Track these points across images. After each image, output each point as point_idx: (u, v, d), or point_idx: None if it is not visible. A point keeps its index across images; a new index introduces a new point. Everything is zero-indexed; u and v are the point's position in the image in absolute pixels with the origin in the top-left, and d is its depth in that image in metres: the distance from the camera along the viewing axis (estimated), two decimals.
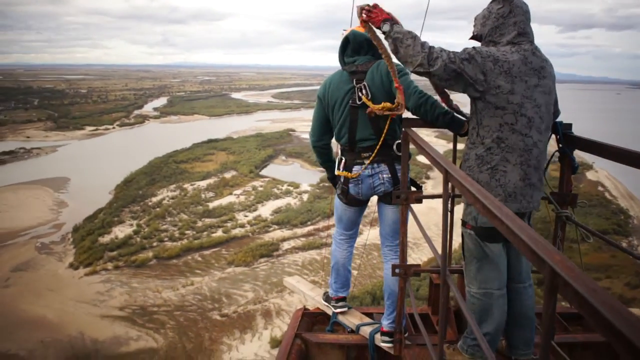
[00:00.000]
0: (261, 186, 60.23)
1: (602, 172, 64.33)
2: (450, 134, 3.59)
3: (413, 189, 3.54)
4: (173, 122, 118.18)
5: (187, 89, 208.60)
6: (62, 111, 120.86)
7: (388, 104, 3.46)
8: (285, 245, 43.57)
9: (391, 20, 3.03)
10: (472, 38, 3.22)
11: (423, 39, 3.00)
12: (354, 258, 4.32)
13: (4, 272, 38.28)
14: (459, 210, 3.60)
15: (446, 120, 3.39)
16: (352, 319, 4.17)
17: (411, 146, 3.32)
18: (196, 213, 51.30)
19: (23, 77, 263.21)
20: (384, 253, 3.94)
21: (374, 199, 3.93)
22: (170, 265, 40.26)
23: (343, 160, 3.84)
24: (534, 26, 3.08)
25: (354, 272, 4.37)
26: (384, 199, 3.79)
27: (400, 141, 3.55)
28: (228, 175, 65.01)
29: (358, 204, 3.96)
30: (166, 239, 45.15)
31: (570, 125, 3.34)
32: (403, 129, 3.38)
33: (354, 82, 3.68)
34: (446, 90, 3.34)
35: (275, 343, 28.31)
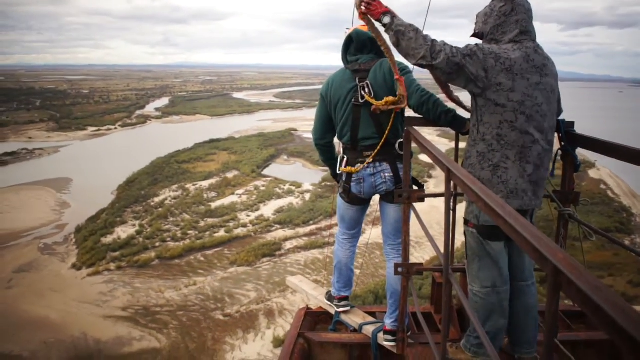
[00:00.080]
0: (263, 186, 60.25)
1: (604, 170, 64.24)
2: (452, 132, 3.59)
3: (415, 187, 3.54)
4: (175, 122, 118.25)
5: (189, 89, 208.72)
6: (64, 112, 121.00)
7: (391, 98, 3.46)
8: (288, 245, 43.57)
9: (390, 13, 3.02)
10: (473, 36, 3.21)
11: None
12: (356, 257, 4.32)
13: (7, 273, 38.33)
14: (461, 208, 3.60)
15: (448, 118, 3.39)
16: (354, 318, 4.17)
17: (413, 145, 3.32)
18: (198, 213, 51.33)
19: (25, 78, 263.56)
20: (387, 252, 3.94)
21: (377, 198, 3.94)
22: (172, 265, 40.29)
23: (345, 159, 3.84)
24: (536, 25, 3.08)
25: (357, 271, 4.37)
26: (386, 198, 3.79)
27: (402, 140, 3.55)
28: (230, 175, 65.05)
29: (360, 202, 3.96)
30: (169, 239, 45.17)
31: (572, 123, 3.33)
32: (405, 128, 3.38)
33: (357, 80, 3.68)
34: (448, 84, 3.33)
35: (278, 343, 28.32)
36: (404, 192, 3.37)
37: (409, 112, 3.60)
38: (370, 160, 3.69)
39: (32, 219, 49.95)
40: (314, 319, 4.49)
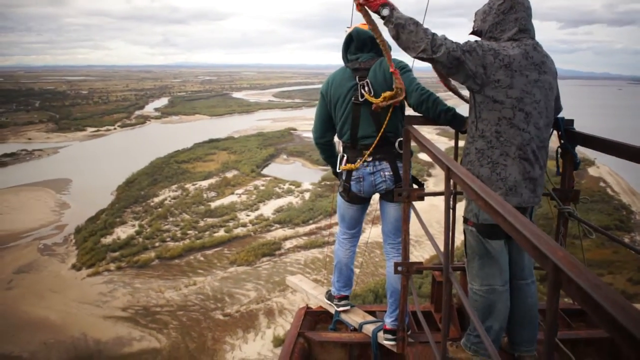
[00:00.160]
0: (263, 185, 60.27)
1: (603, 167, 64.29)
2: (452, 131, 3.59)
3: (415, 186, 3.54)
4: (174, 122, 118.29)
5: (188, 89, 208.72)
6: (64, 112, 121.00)
7: (388, 93, 3.45)
8: (288, 244, 43.59)
9: (389, 5, 2.98)
10: (472, 33, 3.20)
11: None
12: (356, 256, 4.32)
13: (7, 274, 38.34)
14: (460, 207, 3.60)
15: (448, 117, 3.39)
16: (354, 317, 4.17)
17: (413, 144, 3.31)
18: (198, 213, 51.35)
19: (24, 79, 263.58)
20: (386, 251, 3.94)
21: (377, 197, 3.93)
22: (172, 265, 40.30)
23: (345, 157, 3.84)
24: (534, 22, 3.07)
25: (356, 271, 4.37)
26: (386, 197, 3.79)
27: (402, 139, 3.54)
28: (229, 174, 65.08)
29: (360, 201, 3.96)
30: (168, 239, 45.19)
31: (572, 121, 3.33)
32: (404, 126, 3.37)
33: (357, 79, 3.68)
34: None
35: (278, 342, 28.33)
36: (404, 191, 3.36)
37: (409, 111, 3.60)
38: (369, 157, 3.69)
39: (31, 220, 49.96)
40: (314, 318, 4.49)
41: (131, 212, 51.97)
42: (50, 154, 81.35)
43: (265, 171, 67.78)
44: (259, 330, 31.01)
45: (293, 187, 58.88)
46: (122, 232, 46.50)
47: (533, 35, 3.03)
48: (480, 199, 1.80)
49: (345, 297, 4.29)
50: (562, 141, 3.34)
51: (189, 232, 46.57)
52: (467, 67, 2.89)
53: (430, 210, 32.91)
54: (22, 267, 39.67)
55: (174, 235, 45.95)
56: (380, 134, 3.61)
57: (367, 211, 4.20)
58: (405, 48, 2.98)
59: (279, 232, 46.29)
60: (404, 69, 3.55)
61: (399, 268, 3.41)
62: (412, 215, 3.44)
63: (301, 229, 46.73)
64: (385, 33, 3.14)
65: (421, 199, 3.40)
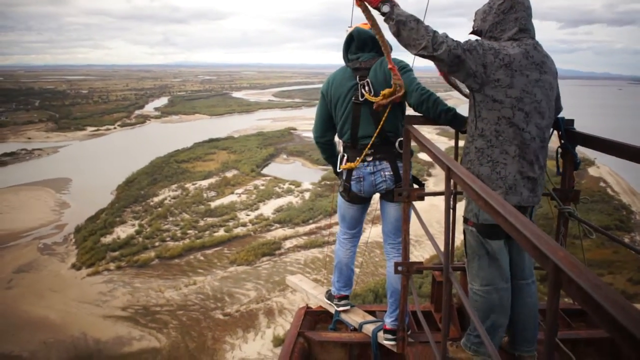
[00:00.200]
0: (263, 185, 60.27)
1: (604, 167, 64.29)
2: (452, 130, 3.58)
3: (415, 186, 3.54)
4: (174, 122, 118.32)
5: (188, 88, 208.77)
6: (63, 112, 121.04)
7: (387, 90, 3.44)
8: (287, 244, 43.59)
9: (390, 1, 2.96)
10: (472, 33, 3.19)
11: None
12: (356, 256, 4.32)
13: (7, 274, 38.33)
14: (460, 207, 3.60)
15: (448, 117, 3.38)
16: (354, 317, 4.17)
17: (413, 143, 3.31)
18: (198, 212, 51.34)
19: (24, 78, 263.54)
20: (387, 251, 3.94)
21: (377, 197, 3.93)
22: (172, 264, 40.29)
23: (345, 157, 3.84)
24: (534, 22, 3.06)
25: (356, 270, 4.36)
26: (386, 197, 3.79)
27: (402, 138, 3.54)
28: (229, 174, 65.06)
29: (360, 201, 3.96)
30: (168, 238, 45.18)
31: (572, 121, 3.33)
32: (404, 126, 3.37)
33: (357, 78, 3.68)
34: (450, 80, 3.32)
35: (278, 342, 28.33)
36: (404, 191, 3.36)
37: (409, 111, 3.60)
38: (369, 155, 3.69)
39: (31, 219, 49.95)
40: (314, 318, 4.49)
41: (131, 212, 51.97)
42: (50, 153, 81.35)
43: (265, 171, 67.76)
44: (258, 329, 31.01)
45: (293, 187, 58.87)
46: (122, 232, 46.49)
47: (533, 35, 3.03)
48: (480, 199, 1.80)
49: (345, 297, 4.30)
50: (562, 141, 3.33)
51: (189, 231, 46.56)
52: (468, 65, 2.88)
53: (430, 210, 32.94)
54: (22, 267, 39.67)
55: (174, 234, 45.95)
56: (378, 131, 3.61)
57: (367, 211, 4.20)
58: (406, 45, 2.98)
59: (279, 232, 46.29)
60: (404, 68, 3.54)
61: (399, 268, 3.41)
62: (413, 215, 3.44)
63: (301, 229, 46.72)
64: (385, 30, 3.13)
65: (421, 198, 3.40)
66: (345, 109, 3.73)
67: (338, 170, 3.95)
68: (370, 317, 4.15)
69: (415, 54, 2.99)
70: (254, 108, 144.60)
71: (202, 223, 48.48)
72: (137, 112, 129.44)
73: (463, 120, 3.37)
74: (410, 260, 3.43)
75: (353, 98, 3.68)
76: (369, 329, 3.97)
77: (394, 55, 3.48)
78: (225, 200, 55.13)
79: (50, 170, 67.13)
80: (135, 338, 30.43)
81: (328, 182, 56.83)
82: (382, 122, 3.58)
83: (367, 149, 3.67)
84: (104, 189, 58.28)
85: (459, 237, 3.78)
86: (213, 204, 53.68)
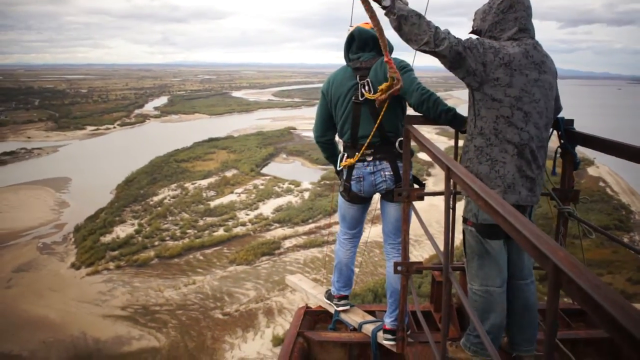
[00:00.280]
0: (262, 184, 60.26)
1: (603, 167, 64.31)
2: (451, 130, 3.58)
3: (416, 186, 3.54)
4: (174, 121, 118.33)
5: (188, 87, 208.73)
6: (63, 111, 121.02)
7: (384, 84, 3.43)
8: (287, 244, 43.59)
9: None
10: (471, 33, 3.19)
11: None
12: (356, 256, 4.32)
13: (6, 273, 38.33)
14: (460, 206, 3.60)
15: (449, 117, 3.38)
16: (354, 317, 4.17)
17: (413, 143, 3.31)
18: (197, 212, 51.35)
19: (24, 77, 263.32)
20: (387, 251, 3.94)
21: (378, 197, 3.93)
22: (172, 264, 40.30)
23: (345, 156, 3.84)
24: (534, 22, 3.06)
25: (356, 270, 4.35)
26: (386, 197, 3.79)
27: (402, 138, 3.54)
28: (229, 173, 65.06)
29: (361, 201, 3.95)
30: (168, 238, 45.19)
31: (572, 121, 3.33)
32: (404, 126, 3.37)
33: (358, 78, 3.67)
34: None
35: (277, 341, 28.34)
36: (404, 191, 3.36)
37: (409, 111, 3.60)
38: (369, 154, 3.69)
39: (31, 219, 49.94)
40: (313, 318, 4.49)
41: (130, 211, 51.98)
42: (50, 152, 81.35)
43: (264, 170, 67.78)
44: (258, 329, 31.01)
45: (292, 187, 58.88)
46: (122, 231, 46.50)
47: (533, 34, 3.03)
48: (480, 198, 1.80)
49: (345, 297, 4.30)
50: (562, 141, 3.33)
51: (189, 231, 46.57)
52: (468, 63, 2.88)
53: (429, 209, 32.96)
54: (21, 266, 39.66)
55: (174, 234, 45.96)
56: (376, 126, 3.61)
57: (368, 211, 4.20)
58: (407, 40, 2.97)
59: (278, 232, 46.30)
60: (404, 68, 3.54)
61: (399, 268, 3.41)
62: (413, 215, 3.44)
63: (300, 228, 46.74)
64: (387, 27, 3.13)
65: (421, 198, 3.40)
66: (345, 109, 3.73)
67: (338, 169, 3.95)
68: (369, 317, 4.15)
69: (417, 49, 2.98)
70: (253, 107, 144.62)
71: (201, 222, 48.48)
72: (137, 111, 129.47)
73: (463, 120, 3.36)
74: (409, 260, 3.43)
75: (353, 98, 3.67)
76: (368, 329, 3.97)
77: (394, 54, 3.48)
78: (225, 199, 55.13)
79: (49, 169, 67.13)
80: (135, 337, 30.44)
81: (327, 182, 56.84)
82: (380, 117, 3.58)
83: (365, 146, 3.66)
84: (103, 188, 58.28)
85: (458, 237, 3.79)
86: (212, 204, 53.68)
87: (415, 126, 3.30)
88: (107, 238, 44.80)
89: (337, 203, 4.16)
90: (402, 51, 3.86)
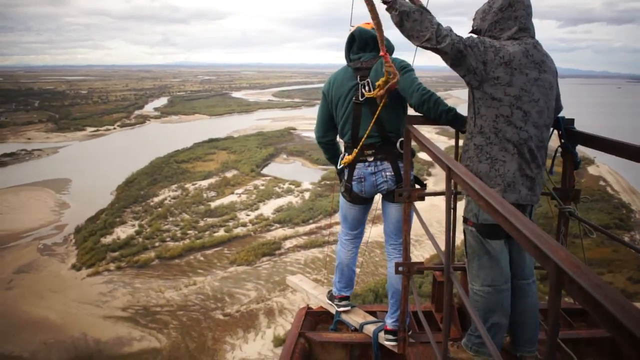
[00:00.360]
0: (262, 185, 60.27)
1: (603, 166, 64.32)
2: (451, 130, 3.58)
3: (417, 186, 3.53)
4: (174, 122, 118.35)
5: (188, 88, 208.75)
6: (63, 112, 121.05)
7: (381, 80, 3.42)
8: (288, 244, 43.60)
9: None
10: (471, 32, 3.19)
11: None
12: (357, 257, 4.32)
13: (7, 274, 38.34)
14: (461, 206, 3.60)
15: (449, 117, 3.37)
16: (355, 318, 4.16)
17: (413, 143, 3.31)
18: (198, 213, 51.35)
19: (23, 78, 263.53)
20: (388, 251, 3.93)
21: (379, 197, 3.93)
22: (172, 265, 40.31)
23: (346, 157, 3.83)
24: (534, 21, 3.06)
25: (357, 270, 4.35)
26: (388, 197, 3.78)
27: (403, 138, 3.53)
28: (229, 174, 65.07)
29: (362, 202, 3.95)
30: (168, 239, 45.19)
31: (572, 120, 3.32)
32: (405, 126, 3.36)
33: (358, 78, 3.67)
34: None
35: (278, 342, 28.34)
36: (405, 191, 3.36)
37: (410, 111, 3.59)
38: (370, 155, 3.69)
39: (31, 220, 49.96)
40: (314, 318, 4.48)
41: (131, 212, 51.98)
42: (50, 153, 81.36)
43: (265, 171, 67.78)
44: (259, 330, 31.02)
45: (293, 187, 58.89)
46: (122, 232, 46.51)
47: (533, 34, 3.02)
48: (481, 199, 1.80)
49: (346, 298, 4.29)
50: (562, 140, 3.33)
51: (189, 232, 46.58)
52: (469, 61, 2.88)
53: (430, 209, 32.99)
54: (22, 267, 39.68)
55: (174, 235, 45.96)
56: (373, 121, 3.60)
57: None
58: (409, 36, 2.96)
59: (279, 232, 46.30)
60: (405, 68, 3.53)
61: (400, 268, 3.41)
62: (414, 215, 3.43)
63: (301, 229, 46.74)
64: (389, 24, 3.12)
65: (422, 199, 3.39)
66: (346, 109, 3.73)
67: (339, 167, 3.95)
68: (371, 318, 4.14)
69: (418, 45, 2.98)
70: (253, 108, 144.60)
71: (202, 223, 48.50)
72: (137, 112, 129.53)
73: (463, 120, 3.35)
74: (411, 261, 3.43)
75: (354, 98, 3.67)
76: (369, 329, 3.96)
77: (395, 55, 3.47)
78: (225, 200, 55.14)
79: (50, 170, 67.16)
80: (136, 338, 30.45)
81: (328, 182, 56.84)
82: (377, 112, 3.57)
83: (363, 140, 3.66)
84: (103, 189, 58.30)
85: (459, 237, 3.78)
86: (213, 204, 53.69)
87: (415, 126, 3.30)
88: (107, 239, 44.81)
89: (338, 203, 4.16)
90: (403, 51, 3.90)
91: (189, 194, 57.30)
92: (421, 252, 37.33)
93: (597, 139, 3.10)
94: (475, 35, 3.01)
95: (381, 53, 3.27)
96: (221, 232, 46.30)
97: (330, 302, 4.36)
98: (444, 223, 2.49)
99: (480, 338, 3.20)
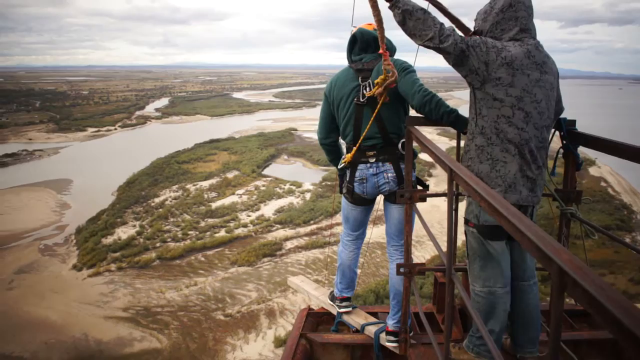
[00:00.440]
0: (263, 186, 60.25)
1: (604, 167, 64.28)
2: (453, 131, 3.58)
3: (420, 187, 3.53)
4: (175, 123, 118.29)
5: (189, 89, 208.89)
6: (64, 113, 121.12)
7: (380, 78, 3.41)
8: (289, 245, 43.56)
9: None
10: (473, 33, 3.19)
11: None
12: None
13: (8, 274, 38.35)
14: (462, 207, 3.60)
15: (451, 118, 3.37)
16: (357, 319, 4.16)
17: (415, 144, 3.31)
18: (199, 213, 51.33)
19: (25, 79, 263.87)
20: (390, 253, 3.93)
21: (381, 198, 3.93)
22: (173, 265, 40.29)
23: (346, 156, 3.83)
24: (535, 22, 3.06)
25: (358, 271, 4.35)
26: (390, 198, 3.78)
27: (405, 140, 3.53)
28: (230, 175, 65.03)
29: (364, 203, 3.95)
30: (169, 239, 45.17)
31: (574, 122, 3.33)
32: (406, 127, 3.36)
33: (360, 79, 3.67)
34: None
35: (279, 343, 28.33)
36: (406, 192, 3.36)
37: (412, 112, 3.59)
38: (372, 156, 3.69)
39: (32, 220, 49.97)
40: (315, 319, 4.48)
41: (132, 213, 51.96)
42: (51, 154, 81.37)
43: (266, 171, 67.73)
44: (260, 330, 30.99)
45: (294, 188, 58.85)
46: (123, 233, 46.50)
47: (534, 35, 3.02)
48: (483, 200, 1.80)
49: (348, 299, 4.29)
50: (564, 142, 3.33)
51: (190, 232, 46.56)
52: (471, 62, 2.89)
53: (431, 210, 32.97)
54: (23, 268, 39.68)
55: (175, 235, 45.94)
56: (372, 118, 3.60)
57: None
58: (411, 35, 2.97)
59: (279, 233, 46.27)
60: (406, 69, 3.53)
61: (402, 269, 3.41)
62: (416, 216, 3.43)
63: (302, 230, 46.70)
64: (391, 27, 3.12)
65: (423, 200, 3.39)
66: (347, 110, 3.73)
67: (339, 167, 3.95)
68: (372, 319, 4.14)
69: (421, 44, 2.98)
70: (254, 109, 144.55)
71: (203, 224, 48.48)
72: (138, 112, 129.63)
73: (465, 121, 3.36)
74: (412, 262, 3.43)
75: (355, 99, 3.67)
76: (371, 330, 3.96)
77: (396, 55, 3.47)
78: (226, 201, 55.11)
79: (51, 171, 67.19)
80: (137, 339, 30.44)
81: (329, 183, 56.83)
82: (376, 111, 3.57)
83: (362, 138, 3.66)
84: (104, 189, 58.31)
85: (460, 238, 3.78)
86: (214, 205, 53.66)
87: (416, 127, 3.30)
88: (108, 239, 44.80)
89: (339, 204, 4.16)
90: (404, 52, 3.83)
91: (190, 195, 57.29)
92: (422, 253, 37.30)
93: (598, 140, 3.10)
94: (477, 36, 3.01)
95: (380, 51, 3.27)
96: (222, 233, 46.27)
97: (331, 303, 4.35)
98: (444, 224, 2.49)
99: (482, 339, 3.20)
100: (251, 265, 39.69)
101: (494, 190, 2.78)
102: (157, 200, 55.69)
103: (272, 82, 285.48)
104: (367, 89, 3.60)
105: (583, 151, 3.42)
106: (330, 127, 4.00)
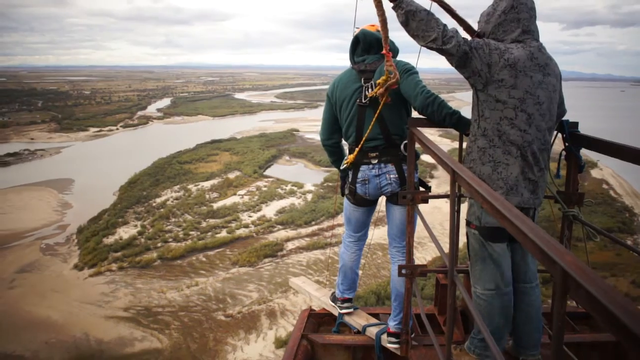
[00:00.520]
0: (265, 186, 60.22)
1: (606, 169, 64.15)
2: (455, 132, 3.58)
3: (422, 189, 3.53)
4: (176, 123, 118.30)
5: (191, 89, 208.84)
6: (66, 112, 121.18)
7: (381, 79, 3.41)
8: (290, 246, 43.53)
9: None
10: (475, 35, 3.19)
11: None
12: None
13: (9, 274, 38.38)
14: (464, 209, 3.59)
15: (453, 120, 3.37)
16: (358, 320, 4.16)
17: (417, 146, 3.31)
18: (200, 214, 51.32)
19: (27, 79, 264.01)
20: (392, 254, 3.93)
21: (383, 199, 3.93)
22: (174, 265, 40.29)
23: (348, 157, 3.83)
24: (538, 24, 3.06)
25: (359, 272, 4.35)
26: (392, 200, 3.78)
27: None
28: (232, 175, 65.02)
29: (366, 204, 3.95)
30: (170, 239, 45.17)
31: (576, 124, 3.32)
32: (409, 128, 3.36)
33: (362, 81, 3.67)
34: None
35: (280, 343, 28.31)
36: (408, 194, 3.35)
37: (414, 114, 3.59)
38: (374, 157, 3.69)
39: (34, 220, 50.01)
40: (317, 320, 4.48)
41: (133, 213, 51.97)
42: (53, 153, 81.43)
43: (267, 172, 67.68)
44: (260, 331, 30.98)
45: (295, 188, 58.80)
46: (124, 233, 46.52)
47: (537, 37, 3.02)
48: (486, 202, 1.80)
49: (349, 300, 4.29)
50: (566, 144, 3.33)
51: (191, 232, 46.56)
52: (474, 64, 2.89)
53: (433, 212, 32.92)
54: (24, 267, 39.70)
55: (176, 235, 45.94)
56: (375, 118, 3.60)
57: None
58: (414, 36, 2.97)
59: (281, 233, 46.24)
60: (409, 71, 3.53)
61: (403, 271, 3.40)
62: (418, 217, 3.43)
63: (303, 230, 46.67)
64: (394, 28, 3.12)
65: (426, 201, 3.39)
66: (350, 111, 3.73)
67: (342, 168, 3.95)
68: (373, 320, 4.14)
69: (423, 46, 2.98)
70: (256, 109, 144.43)
71: (204, 224, 48.47)
72: (140, 113, 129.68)
73: (467, 123, 3.36)
74: (414, 263, 3.43)
75: (358, 100, 3.67)
76: (372, 331, 3.96)
77: (399, 57, 3.46)
78: (228, 201, 55.09)
79: (52, 170, 67.24)
80: (137, 339, 30.44)
81: (331, 184, 56.80)
82: (378, 111, 3.57)
83: (365, 138, 3.66)
84: (106, 189, 58.35)
85: (461, 240, 3.78)
86: (215, 205, 53.65)
87: (419, 128, 3.30)
88: (110, 239, 44.81)
89: (341, 205, 4.16)
90: (406, 54, 3.85)
91: (192, 195, 57.28)
92: (423, 255, 37.26)
93: (600, 143, 3.10)
94: (479, 38, 3.01)
95: (383, 51, 3.27)
96: (223, 233, 46.26)
97: (332, 304, 4.36)
98: (446, 225, 2.49)
99: (483, 341, 3.20)
100: (252, 266, 39.68)
101: (496, 192, 2.78)
102: (158, 200, 55.71)
103: (274, 82, 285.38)
104: (370, 90, 3.60)
105: (585, 153, 3.42)
106: (333, 128, 3.99)
